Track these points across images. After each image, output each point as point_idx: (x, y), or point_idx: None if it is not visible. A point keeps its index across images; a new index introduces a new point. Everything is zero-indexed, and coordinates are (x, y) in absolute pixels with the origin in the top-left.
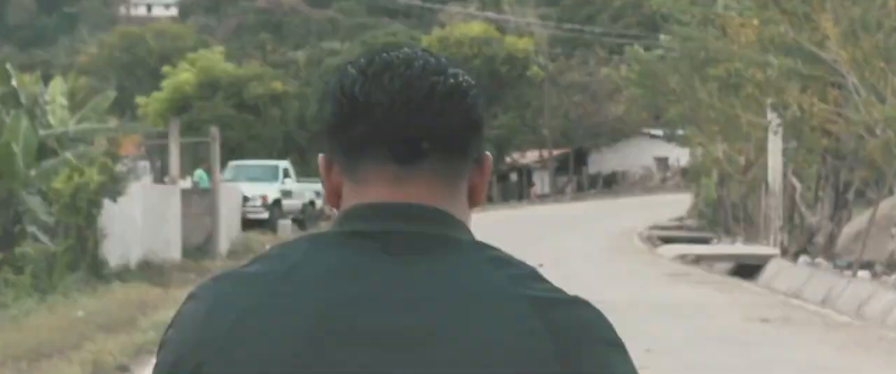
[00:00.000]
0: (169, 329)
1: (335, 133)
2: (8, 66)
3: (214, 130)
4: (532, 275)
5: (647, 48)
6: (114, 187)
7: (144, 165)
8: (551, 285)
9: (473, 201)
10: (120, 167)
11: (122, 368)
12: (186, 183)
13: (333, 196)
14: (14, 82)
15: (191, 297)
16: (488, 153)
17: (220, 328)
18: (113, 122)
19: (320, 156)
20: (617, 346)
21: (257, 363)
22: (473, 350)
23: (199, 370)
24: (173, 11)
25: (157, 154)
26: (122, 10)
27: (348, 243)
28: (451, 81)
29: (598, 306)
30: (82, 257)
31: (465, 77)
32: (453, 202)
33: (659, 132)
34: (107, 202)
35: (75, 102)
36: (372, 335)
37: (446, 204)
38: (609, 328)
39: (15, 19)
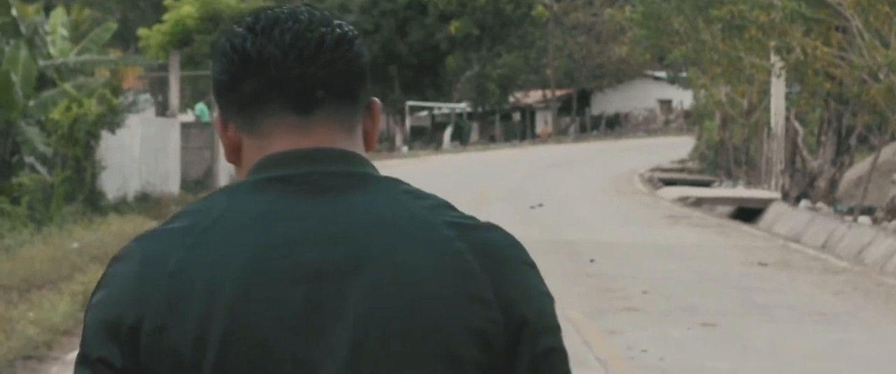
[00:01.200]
0: (97, 292)
1: (229, 90)
2: None
3: None
4: (446, 204)
5: None
6: (112, 118)
7: (147, 98)
8: (462, 212)
9: (367, 146)
10: (122, 100)
11: None
12: (189, 116)
13: (233, 153)
14: (14, 12)
15: (117, 259)
16: (376, 99)
17: (156, 284)
18: (115, 54)
19: (214, 114)
20: (531, 266)
21: (197, 312)
22: (405, 273)
23: (140, 325)
24: None
25: (159, 88)
26: None
27: (268, 188)
28: (338, 31)
29: (597, 246)
30: (79, 189)
31: (350, 27)
32: (353, 146)
33: (662, 74)
34: (105, 134)
35: (78, 34)
36: (304, 271)
37: (348, 147)
38: (523, 249)
39: None
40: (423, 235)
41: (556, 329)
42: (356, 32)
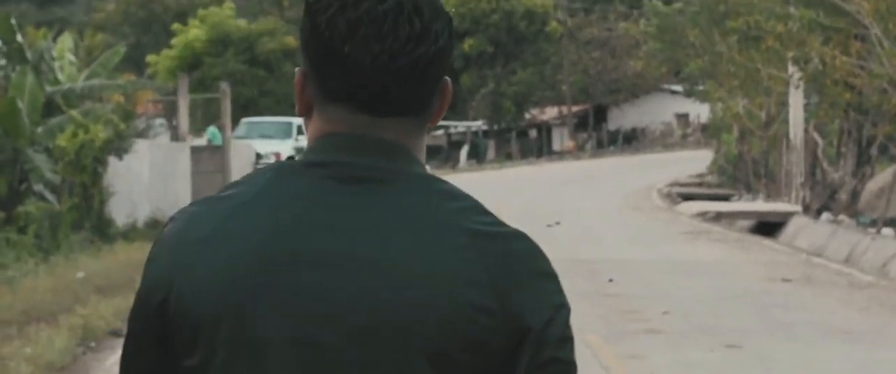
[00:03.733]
0: (153, 247)
1: (314, 71)
2: (13, 20)
3: (224, 86)
4: (477, 208)
5: (666, 2)
6: (119, 144)
7: (161, 122)
8: (495, 218)
9: (432, 122)
10: (135, 125)
11: (115, 332)
12: (201, 140)
13: (305, 111)
14: (19, 37)
15: (171, 219)
16: (448, 79)
17: (188, 247)
18: (127, 78)
19: (297, 70)
20: (549, 276)
21: (214, 280)
22: (412, 276)
23: (172, 286)
24: None
25: (173, 112)
26: None
27: (307, 172)
28: (434, 48)
29: (615, 264)
30: (87, 216)
31: (445, 38)
32: (413, 137)
33: (679, 88)
34: (113, 160)
35: (91, 59)
36: (318, 258)
37: (405, 139)
38: (543, 259)
39: None
40: (436, 240)
41: (564, 341)
42: (451, 45)
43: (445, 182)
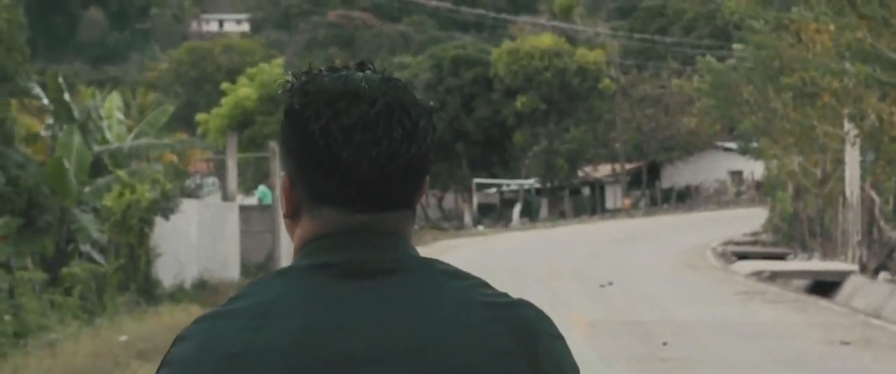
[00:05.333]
0: (160, 370)
1: (305, 176)
2: (61, 79)
3: (273, 145)
4: (481, 283)
5: (719, 59)
6: (165, 204)
7: (213, 181)
8: (497, 290)
9: (414, 208)
10: (188, 183)
11: None
12: (252, 200)
13: (292, 212)
14: (67, 96)
15: (180, 339)
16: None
17: (213, 365)
18: (180, 137)
19: (283, 175)
20: (562, 339)
21: None
22: (447, 358)
23: None
24: (245, 27)
25: (224, 171)
26: (194, 25)
27: (314, 275)
28: (425, 146)
29: (669, 326)
30: (133, 278)
31: (432, 133)
32: (405, 226)
33: (733, 145)
34: (161, 220)
35: (142, 118)
36: (350, 357)
37: (398, 228)
38: (551, 323)
39: (87, 36)
40: (462, 317)
41: None
42: (434, 142)
43: (444, 263)
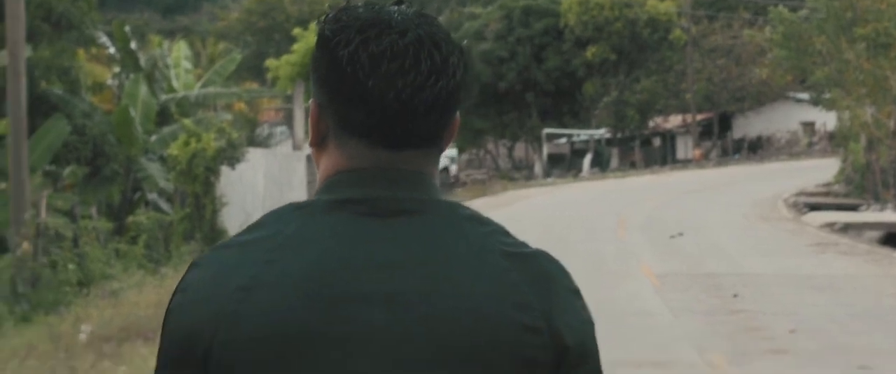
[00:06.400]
0: (175, 296)
1: (334, 104)
2: (127, 28)
3: None
4: (502, 231)
5: (792, 9)
6: (231, 153)
7: (283, 130)
8: (516, 239)
9: (440, 147)
10: (258, 132)
11: None
12: None
13: (320, 141)
14: (133, 45)
15: (194, 265)
16: (457, 114)
17: (227, 295)
18: (250, 86)
19: (311, 102)
20: (578, 294)
21: (264, 327)
22: (464, 304)
23: (215, 336)
24: None
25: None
26: None
27: (338, 210)
28: (453, 81)
29: (740, 278)
30: (199, 227)
31: (462, 70)
32: (430, 166)
33: (805, 96)
34: (227, 169)
35: (212, 67)
36: (363, 296)
37: (424, 169)
38: (569, 276)
39: None
40: (480, 264)
41: (594, 355)
42: (467, 79)
43: (467, 207)
